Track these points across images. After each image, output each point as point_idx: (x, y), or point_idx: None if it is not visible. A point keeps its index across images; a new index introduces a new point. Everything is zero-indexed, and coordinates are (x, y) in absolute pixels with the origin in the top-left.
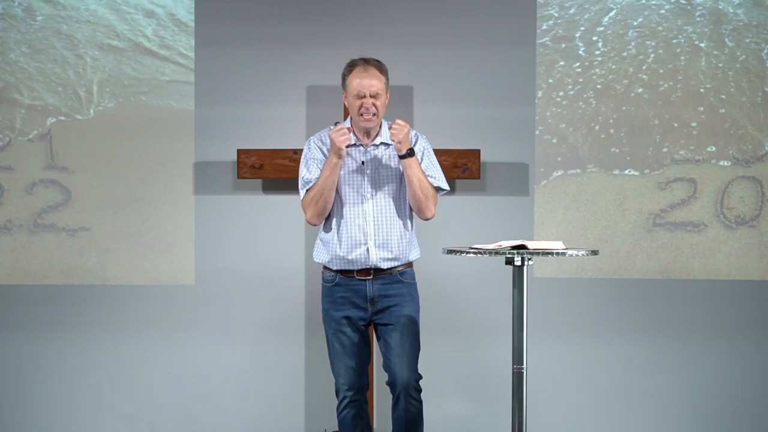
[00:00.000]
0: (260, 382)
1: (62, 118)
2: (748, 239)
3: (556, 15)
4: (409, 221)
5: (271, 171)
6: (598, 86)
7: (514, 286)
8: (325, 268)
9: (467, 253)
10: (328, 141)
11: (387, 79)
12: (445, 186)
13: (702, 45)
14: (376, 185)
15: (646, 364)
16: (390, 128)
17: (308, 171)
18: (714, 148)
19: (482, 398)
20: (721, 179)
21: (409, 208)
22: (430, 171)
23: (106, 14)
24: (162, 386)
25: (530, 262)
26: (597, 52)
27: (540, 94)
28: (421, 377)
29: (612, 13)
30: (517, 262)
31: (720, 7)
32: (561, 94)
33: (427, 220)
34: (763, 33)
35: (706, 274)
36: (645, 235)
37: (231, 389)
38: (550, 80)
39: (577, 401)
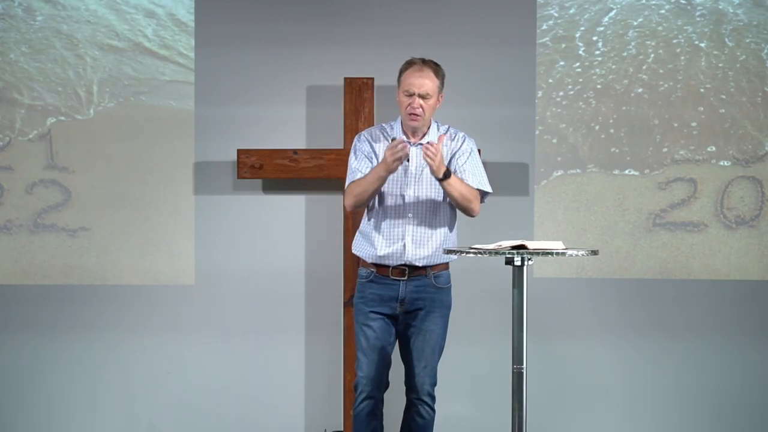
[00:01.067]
0: (260, 382)
1: (62, 118)
2: (748, 239)
3: (556, 15)
4: (449, 222)
5: (271, 171)
6: (598, 86)
7: (514, 286)
8: (362, 265)
9: (467, 253)
10: (378, 136)
11: (442, 82)
12: (488, 188)
13: (702, 45)
14: (419, 184)
15: (646, 364)
16: (425, 150)
17: (357, 160)
18: (714, 148)
19: (482, 398)
20: (721, 179)
21: (450, 211)
22: (473, 176)
23: (106, 14)
24: (162, 386)
25: (530, 262)
26: (597, 52)
27: (540, 94)
28: (436, 383)
29: (612, 13)
30: (517, 262)
31: (720, 7)
32: (561, 94)
33: (473, 217)
34: (763, 33)
35: (706, 274)
36: (645, 235)
37: (231, 389)
38: (550, 80)
39: (577, 401)
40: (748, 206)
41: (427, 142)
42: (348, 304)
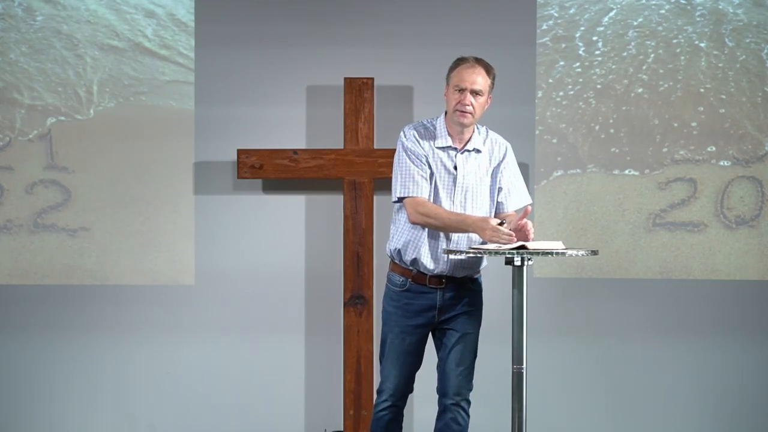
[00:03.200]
0: (260, 382)
1: (62, 118)
2: (748, 239)
3: (556, 15)
4: None
5: (271, 171)
6: (598, 86)
7: (514, 286)
8: (394, 270)
9: (467, 253)
10: (424, 135)
11: (493, 82)
12: (529, 199)
13: (702, 45)
14: (465, 192)
15: (646, 364)
16: (528, 233)
17: (414, 165)
18: (714, 148)
19: (482, 398)
20: (721, 179)
21: None
22: (519, 194)
23: (106, 14)
24: (162, 386)
25: (530, 262)
26: (597, 52)
27: (540, 94)
28: (472, 388)
29: (612, 13)
30: (517, 262)
31: (720, 7)
32: (561, 94)
33: None
34: (763, 33)
35: (706, 274)
36: (645, 235)
37: (231, 389)
38: (550, 80)
39: (577, 401)
40: (748, 206)
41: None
42: (348, 304)
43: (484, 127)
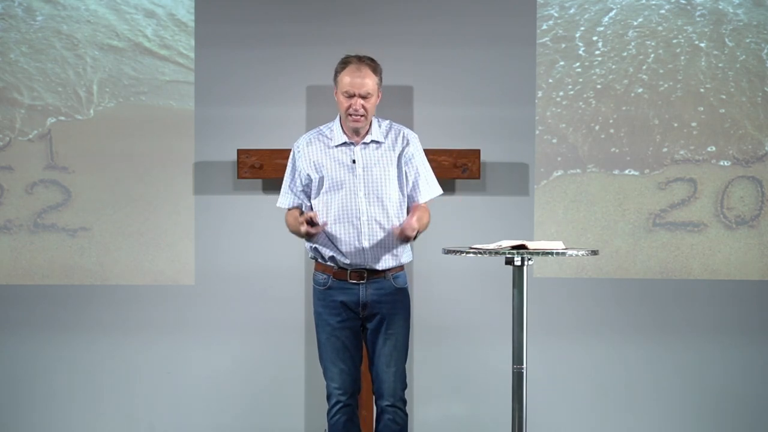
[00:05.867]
0: (260, 382)
1: (62, 118)
2: (748, 239)
3: (556, 15)
4: (401, 221)
5: (271, 171)
6: (598, 86)
7: (514, 286)
8: (317, 269)
9: (467, 253)
10: (315, 142)
11: (380, 78)
12: (439, 191)
13: (702, 45)
14: (369, 184)
15: (646, 364)
16: (400, 234)
17: (289, 176)
18: (714, 148)
19: (482, 398)
20: (721, 179)
21: (401, 209)
22: (427, 186)
23: (106, 14)
24: (162, 386)
25: (530, 262)
26: (597, 52)
27: (540, 94)
28: (406, 386)
29: (612, 13)
30: (517, 262)
31: (720, 7)
32: (561, 94)
33: None
34: (763, 33)
35: (706, 274)
36: (645, 235)
37: (231, 389)
38: (550, 80)
39: (577, 401)
40: (748, 206)
41: (402, 228)
42: None
43: (388, 120)
